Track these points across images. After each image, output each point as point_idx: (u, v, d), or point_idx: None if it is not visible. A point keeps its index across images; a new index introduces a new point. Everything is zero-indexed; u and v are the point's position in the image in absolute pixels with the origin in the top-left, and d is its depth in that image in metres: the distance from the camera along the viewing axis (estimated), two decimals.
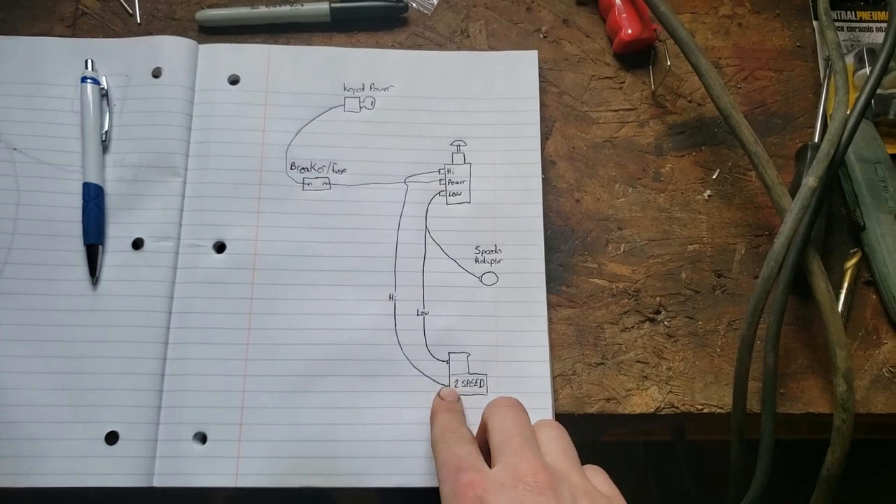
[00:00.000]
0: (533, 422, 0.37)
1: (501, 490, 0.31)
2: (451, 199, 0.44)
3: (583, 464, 0.35)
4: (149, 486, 0.38)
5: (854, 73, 0.47)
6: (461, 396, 0.40)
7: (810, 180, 0.39)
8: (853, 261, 0.44)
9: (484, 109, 0.46)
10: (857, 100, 0.41)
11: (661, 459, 0.89)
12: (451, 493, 0.32)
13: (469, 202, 0.44)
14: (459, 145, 0.45)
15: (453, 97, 0.46)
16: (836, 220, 0.46)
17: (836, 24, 0.49)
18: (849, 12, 0.50)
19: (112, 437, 0.39)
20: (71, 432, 0.38)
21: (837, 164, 0.41)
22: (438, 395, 0.40)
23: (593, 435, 0.60)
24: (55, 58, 0.45)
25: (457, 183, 0.45)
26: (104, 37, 0.46)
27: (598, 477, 0.35)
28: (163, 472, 0.38)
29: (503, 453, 0.34)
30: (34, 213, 0.42)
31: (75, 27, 0.47)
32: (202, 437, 0.39)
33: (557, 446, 0.35)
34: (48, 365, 0.39)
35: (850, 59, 0.48)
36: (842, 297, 0.44)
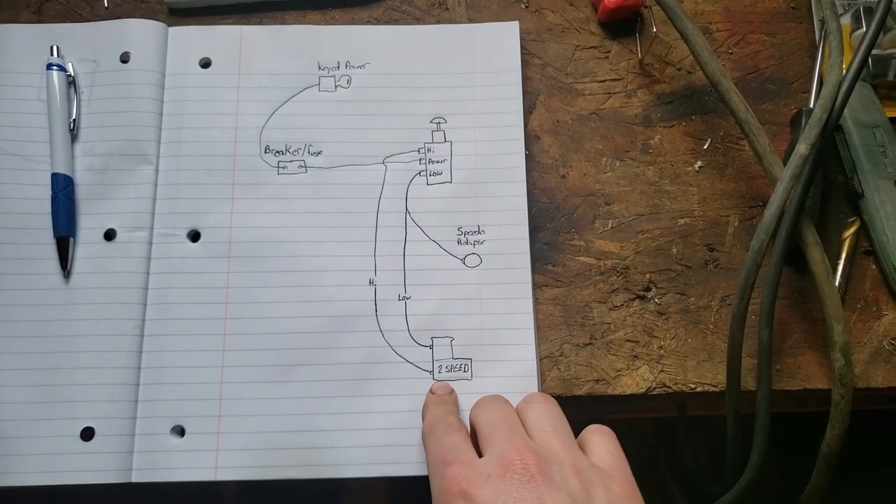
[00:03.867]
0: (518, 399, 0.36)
1: (488, 482, 0.30)
2: (431, 179, 0.43)
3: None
4: (126, 481, 0.37)
5: (851, 34, 0.45)
6: (448, 383, 0.39)
7: (802, 147, 0.37)
8: (851, 230, 0.42)
9: (464, 84, 0.44)
10: (851, 62, 0.39)
11: (670, 436, 0.88)
12: (438, 489, 0.32)
13: (450, 182, 0.43)
14: (439, 123, 0.44)
15: (432, 73, 0.44)
16: (833, 188, 0.44)
17: None
18: None
19: (88, 433, 0.38)
20: (46, 429, 0.38)
21: (831, 130, 0.39)
22: (430, 390, 0.39)
23: (597, 414, 0.59)
24: (19, 45, 0.43)
25: (437, 162, 0.43)
26: (71, 22, 0.45)
27: (599, 445, 0.33)
28: (141, 467, 0.38)
29: (491, 443, 0.33)
30: (2, 206, 0.41)
31: (41, 13, 0.45)
32: (180, 431, 0.38)
33: (545, 424, 0.34)
34: (21, 361, 0.39)
35: (846, 20, 0.46)
36: (840, 267, 0.42)
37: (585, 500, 0.30)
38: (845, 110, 0.40)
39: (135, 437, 0.38)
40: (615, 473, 0.32)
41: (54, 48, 0.43)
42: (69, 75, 0.42)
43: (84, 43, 0.43)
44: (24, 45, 0.43)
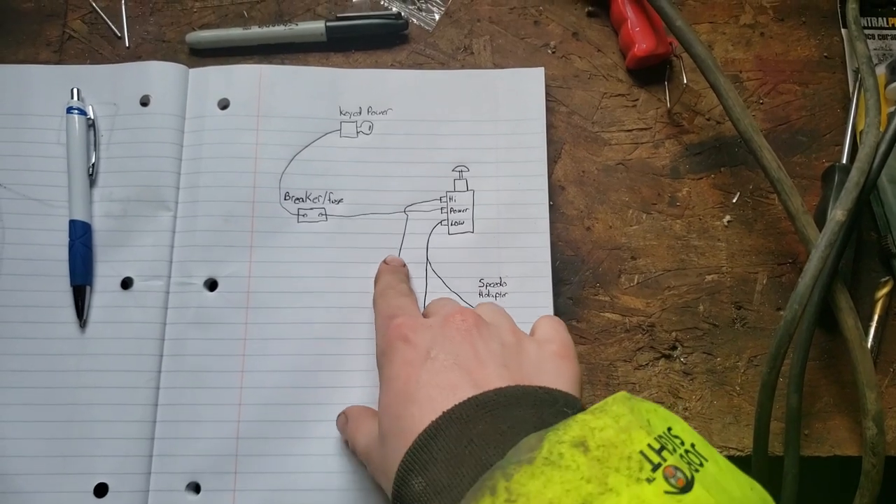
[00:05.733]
0: None
1: (429, 330, 0.32)
2: (452, 229, 0.42)
3: None
4: None
5: (886, 86, 0.44)
6: (401, 257, 0.41)
7: (838, 213, 0.36)
8: (885, 290, 0.41)
9: (487, 132, 0.43)
10: (888, 124, 0.38)
11: None
12: (382, 338, 0.33)
13: (472, 231, 0.42)
14: (462, 171, 0.43)
15: (455, 120, 0.43)
16: (865, 246, 0.43)
17: (867, 31, 0.46)
18: (880, 19, 0.46)
19: (101, 490, 0.37)
20: (59, 484, 0.37)
21: (868, 193, 0.38)
22: (384, 261, 0.40)
23: None
24: (40, 86, 0.43)
25: (459, 211, 0.42)
26: (92, 61, 0.45)
27: (546, 325, 0.35)
28: None
29: (437, 312, 0.34)
30: (20, 252, 0.40)
31: (62, 52, 0.45)
32: (195, 487, 0.38)
33: (493, 311, 0.35)
34: (35, 413, 0.38)
35: (881, 70, 0.45)
36: (871, 330, 0.41)
37: (516, 350, 0.31)
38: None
39: (149, 493, 0.37)
40: (554, 340, 0.33)
41: (75, 91, 0.42)
42: (89, 119, 0.42)
43: (104, 85, 0.43)
44: (44, 87, 0.43)
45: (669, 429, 0.24)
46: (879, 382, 0.40)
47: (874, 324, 0.41)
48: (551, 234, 0.42)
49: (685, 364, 0.41)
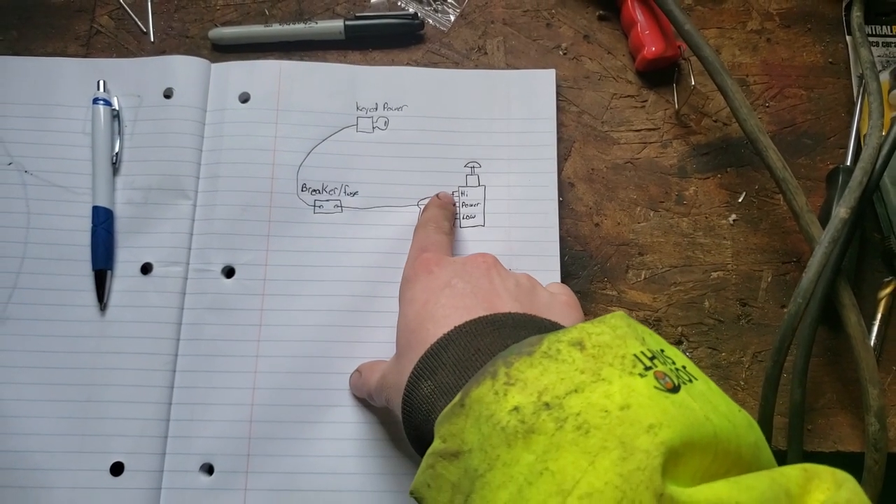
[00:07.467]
0: None
1: (452, 265, 0.35)
2: (464, 222, 0.43)
3: None
4: None
5: (889, 91, 0.45)
6: (453, 197, 0.43)
7: (841, 211, 0.37)
8: (888, 290, 0.42)
9: (499, 130, 0.44)
10: (891, 125, 0.39)
11: None
12: (409, 266, 0.36)
13: (483, 225, 0.43)
14: (474, 167, 0.44)
15: (468, 117, 0.45)
16: (868, 246, 0.43)
17: (871, 39, 0.47)
18: (884, 27, 0.47)
19: (117, 468, 0.38)
20: (77, 462, 0.38)
21: (871, 193, 0.39)
22: (437, 195, 0.42)
23: None
24: (68, 78, 0.44)
25: (471, 205, 0.43)
26: (118, 55, 0.46)
27: (555, 286, 0.37)
28: None
29: None
30: (44, 237, 0.41)
31: (89, 46, 0.46)
32: (209, 469, 0.39)
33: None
34: (55, 393, 0.39)
35: (885, 77, 0.46)
36: (875, 328, 0.42)
37: (529, 290, 0.34)
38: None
39: (163, 473, 0.38)
40: (564, 293, 0.36)
41: (101, 83, 0.43)
42: (114, 110, 0.43)
43: (129, 78, 0.44)
44: (72, 79, 0.44)
45: (662, 350, 0.25)
46: (882, 380, 0.41)
47: (877, 322, 0.42)
48: (560, 229, 0.43)
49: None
